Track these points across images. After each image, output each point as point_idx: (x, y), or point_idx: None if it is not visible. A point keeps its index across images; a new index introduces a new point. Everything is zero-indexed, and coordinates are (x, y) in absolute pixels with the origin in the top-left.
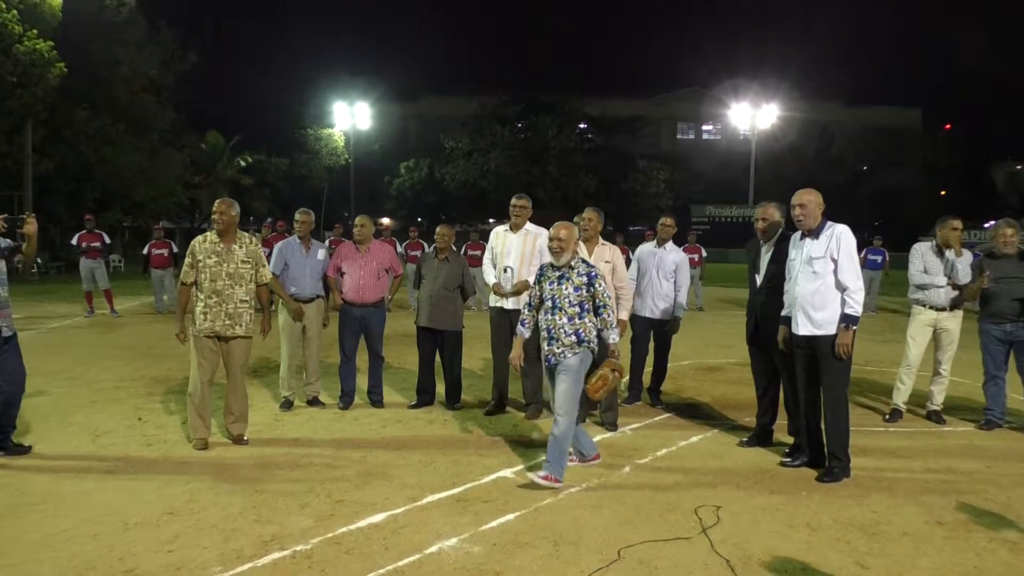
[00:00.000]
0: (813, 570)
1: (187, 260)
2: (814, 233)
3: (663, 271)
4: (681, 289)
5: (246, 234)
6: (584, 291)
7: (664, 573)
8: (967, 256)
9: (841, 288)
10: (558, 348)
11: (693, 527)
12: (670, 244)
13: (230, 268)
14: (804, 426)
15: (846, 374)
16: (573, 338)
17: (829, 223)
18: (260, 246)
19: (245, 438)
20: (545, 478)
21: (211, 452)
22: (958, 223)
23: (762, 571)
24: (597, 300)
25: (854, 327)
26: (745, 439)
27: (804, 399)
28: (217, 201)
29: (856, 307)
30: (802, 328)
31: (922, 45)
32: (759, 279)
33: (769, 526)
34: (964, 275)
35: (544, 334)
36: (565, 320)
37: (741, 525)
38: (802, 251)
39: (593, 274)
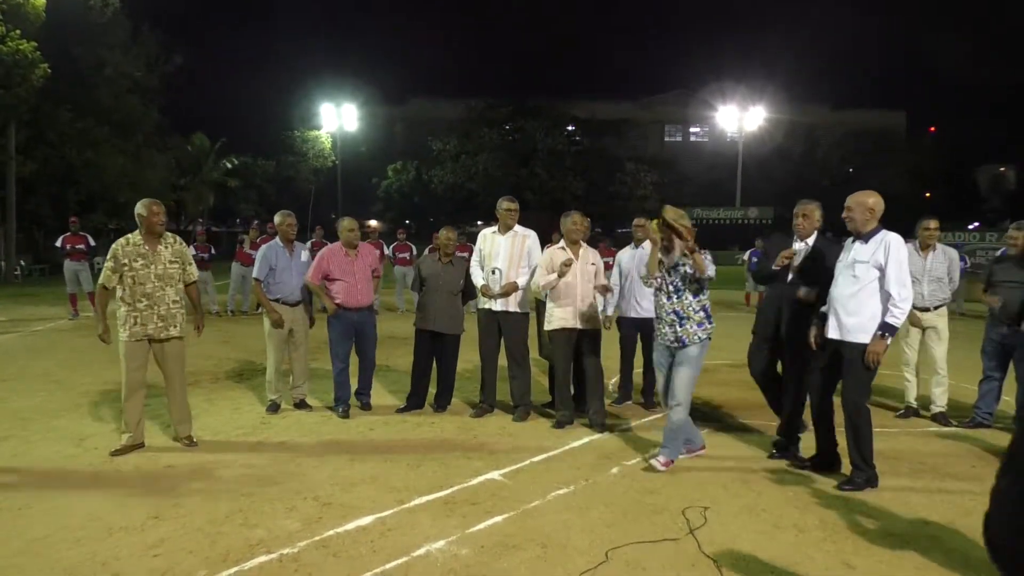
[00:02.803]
0: (800, 570)
1: (109, 264)
2: (864, 237)
3: (643, 271)
4: None
5: (170, 234)
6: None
7: (652, 574)
8: (940, 253)
9: (886, 296)
10: (691, 327)
11: (681, 528)
12: (647, 244)
13: (158, 269)
14: (818, 429)
15: (867, 382)
16: (702, 314)
17: (882, 230)
18: (185, 245)
19: (194, 439)
20: (665, 463)
21: (197, 456)
22: (931, 223)
23: (749, 571)
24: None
25: (890, 336)
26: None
27: (818, 402)
28: (150, 203)
29: (898, 317)
30: (831, 331)
31: (907, 49)
32: (790, 276)
33: (756, 527)
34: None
35: (672, 317)
36: (691, 298)
37: (728, 526)
38: (848, 253)
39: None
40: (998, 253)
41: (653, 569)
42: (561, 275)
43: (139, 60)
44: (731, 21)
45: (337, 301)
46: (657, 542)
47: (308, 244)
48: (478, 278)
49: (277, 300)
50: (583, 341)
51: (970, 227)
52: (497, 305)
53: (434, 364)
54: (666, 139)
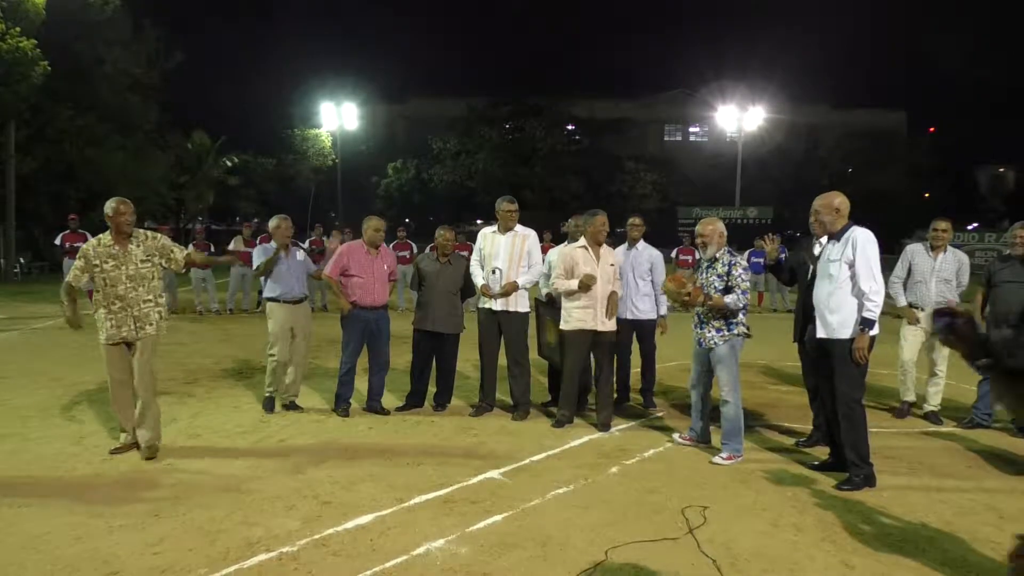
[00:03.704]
0: (799, 570)
1: (78, 264)
2: (836, 236)
3: (638, 272)
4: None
5: (143, 232)
6: (726, 277)
7: (651, 573)
8: (950, 255)
9: (859, 292)
10: (708, 332)
11: (680, 527)
12: (642, 243)
13: (129, 270)
14: (826, 428)
15: (860, 379)
16: (721, 320)
17: (851, 227)
18: (160, 238)
19: (156, 448)
20: (727, 458)
21: (197, 454)
22: (941, 224)
23: (748, 571)
24: (730, 282)
25: (871, 331)
26: (803, 439)
27: (825, 402)
28: (118, 202)
29: (873, 311)
30: (818, 331)
31: (907, 49)
32: (809, 276)
33: (755, 526)
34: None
35: (696, 319)
36: (703, 298)
37: (728, 525)
38: (824, 253)
39: (733, 262)
40: (1006, 252)
41: (652, 568)
42: (582, 288)
43: (140, 57)
44: (731, 20)
45: (353, 299)
46: (656, 541)
47: (306, 243)
48: (478, 277)
49: (276, 299)
50: (599, 343)
51: (969, 227)
52: (497, 305)
53: (433, 363)
54: (666, 138)
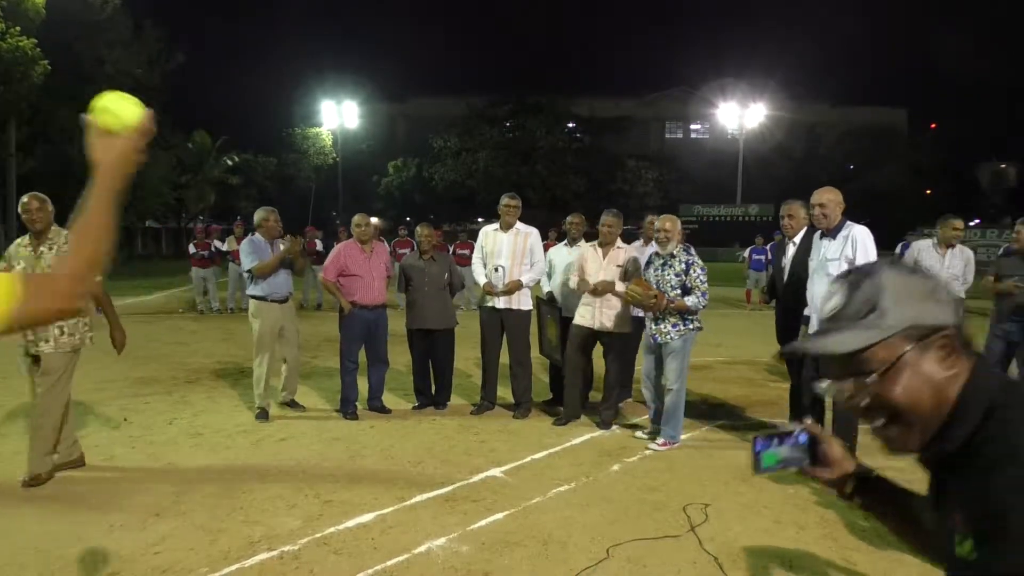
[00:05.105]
0: (800, 567)
1: (1, 265)
2: (832, 233)
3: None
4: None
5: (64, 231)
6: (683, 276)
7: (653, 571)
8: (957, 252)
9: None
10: (664, 327)
11: (681, 525)
12: (637, 245)
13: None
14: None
15: None
16: (676, 317)
17: (848, 223)
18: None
19: (34, 480)
20: (663, 444)
21: (198, 453)
22: (958, 223)
23: (750, 568)
24: (688, 283)
25: None
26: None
27: (817, 401)
28: (28, 196)
29: None
30: (814, 330)
31: (907, 46)
32: (785, 278)
33: (757, 524)
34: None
35: (651, 314)
36: (667, 302)
37: (729, 523)
38: (819, 251)
39: (691, 262)
40: (1000, 251)
41: (654, 566)
42: (595, 293)
43: (140, 57)
44: (732, 18)
45: (353, 299)
46: (658, 539)
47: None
48: (481, 276)
49: (264, 298)
50: (607, 343)
51: (971, 224)
52: (500, 303)
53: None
54: (667, 136)
